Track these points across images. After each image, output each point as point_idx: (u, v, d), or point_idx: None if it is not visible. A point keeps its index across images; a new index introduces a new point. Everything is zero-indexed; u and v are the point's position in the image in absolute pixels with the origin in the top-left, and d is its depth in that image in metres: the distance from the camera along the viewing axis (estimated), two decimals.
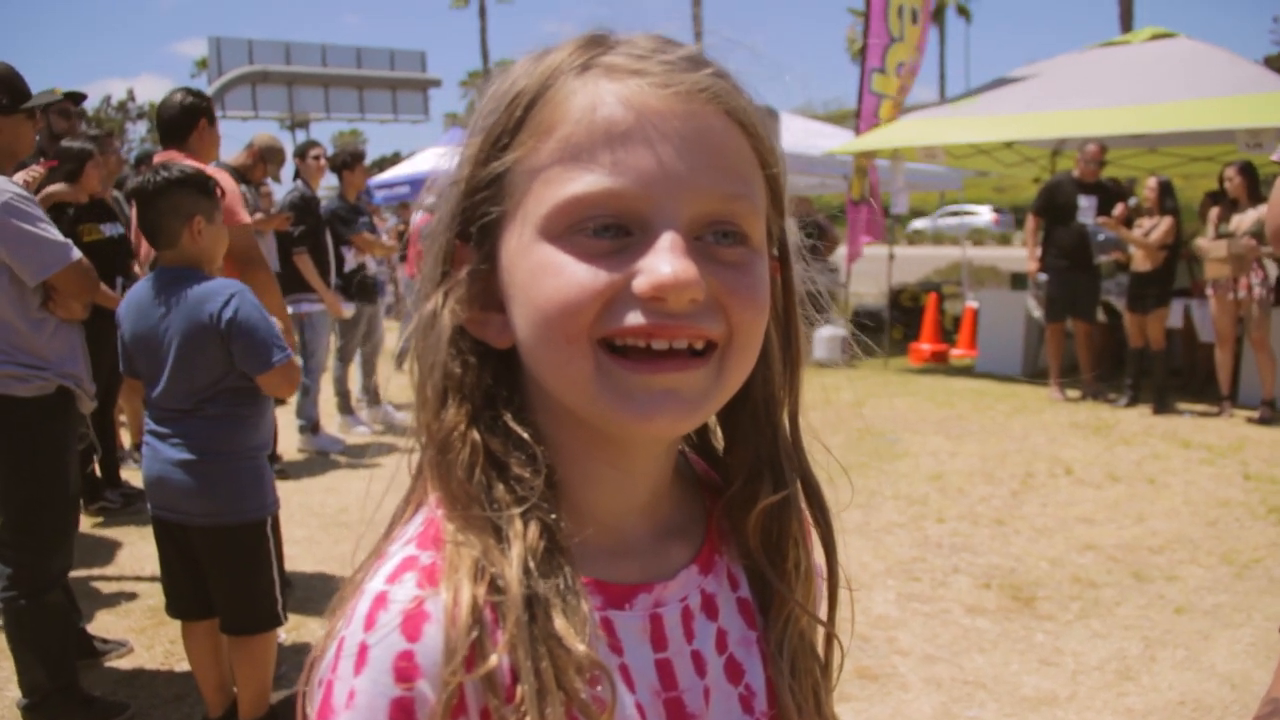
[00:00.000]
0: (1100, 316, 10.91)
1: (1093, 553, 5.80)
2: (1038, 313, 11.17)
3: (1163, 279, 9.84)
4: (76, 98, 5.27)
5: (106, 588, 5.39)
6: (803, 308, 0.96)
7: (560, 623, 0.78)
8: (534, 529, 0.81)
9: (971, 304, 13.93)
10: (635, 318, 0.77)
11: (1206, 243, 9.32)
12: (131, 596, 5.24)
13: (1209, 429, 9.07)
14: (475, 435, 0.84)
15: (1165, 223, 9.62)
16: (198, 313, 3.43)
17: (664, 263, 0.76)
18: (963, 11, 73.21)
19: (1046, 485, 7.27)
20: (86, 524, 6.10)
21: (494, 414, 0.86)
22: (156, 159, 5.15)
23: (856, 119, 13.68)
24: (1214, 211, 9.63)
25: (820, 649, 1.01)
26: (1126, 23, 38.96)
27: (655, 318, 0.77)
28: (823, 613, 1.02)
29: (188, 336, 3.43)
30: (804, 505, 0.99)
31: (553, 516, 0.82)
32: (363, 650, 0.77)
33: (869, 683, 4.18)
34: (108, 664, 4.43)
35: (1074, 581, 5.35)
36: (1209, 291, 9.50)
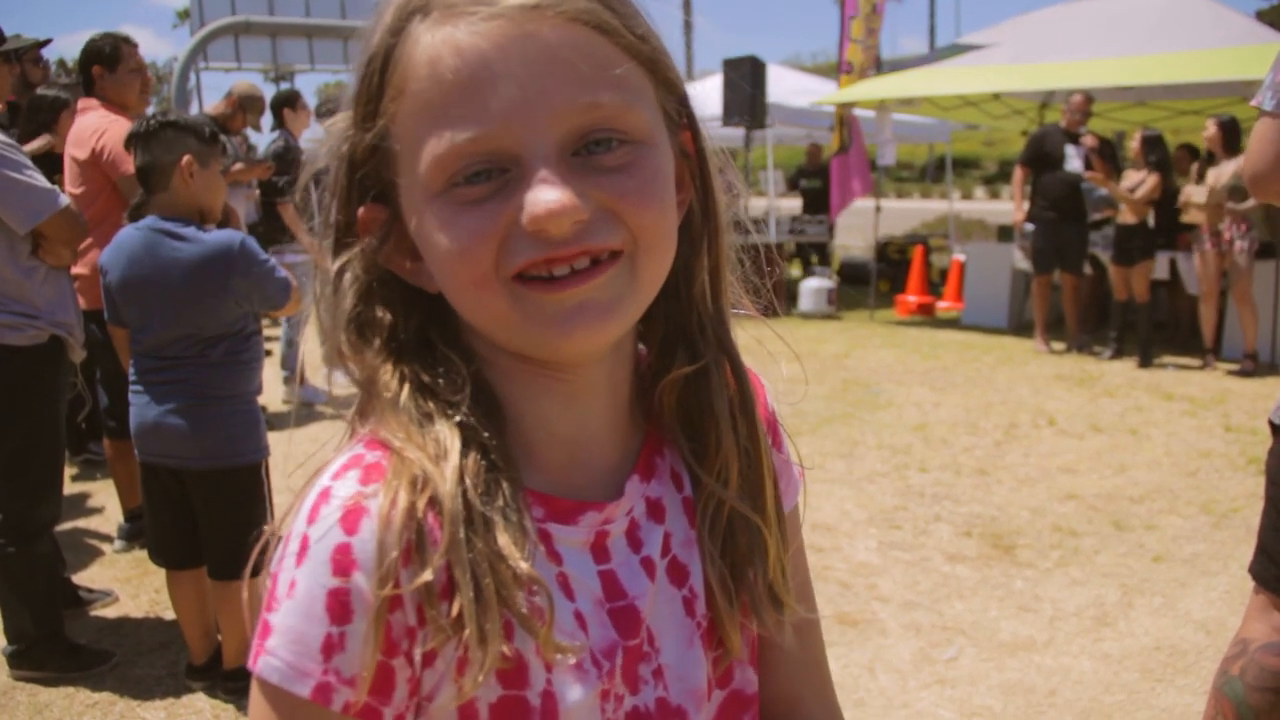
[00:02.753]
0: (1086, 269, 10.91)
1: (1074, 502, 5.85)
2: (1023, 264, 11.17)
3: (1147, 232, 9.84)
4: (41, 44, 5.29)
5: (91, 538, 5.40)
6: (721, 174, 0.94)
7: (504, 540, 0.79)
8: (469, 446, 0.82)
9: (959, 257, 13.94)
10: (529, 251, 0.78)
11: (1192, 188, 9.32)
12: (116, 546, 5.24)
13: (1192, 381, 9.13)
14: (403, 368, 0.86)
15: (1152, 179, 9.60)
16: (210, 269, 3.44)
17: (537, 196, 0.76)
18: None
19: (1029, 436, 7.32)
20: (70, 475, 6.10)
21: (425, 345, 0.88)
22: (80, 107, 5.14)
23: (838, 70, 13.61)
24: (1194, 166, 9.63)
25: (770, 529, 0.98)
26: None
27: (546, 248, 0.78)
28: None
29: (198, 290, 3.44)
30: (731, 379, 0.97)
31: (486, 435, 0.84)
32: (304, 542, 0.79)
33: (849, 628, 4.22)
34: (92, 613, 4.45)
35: (1054, 530, 5.40)
36: (1194, 246, 9.51)
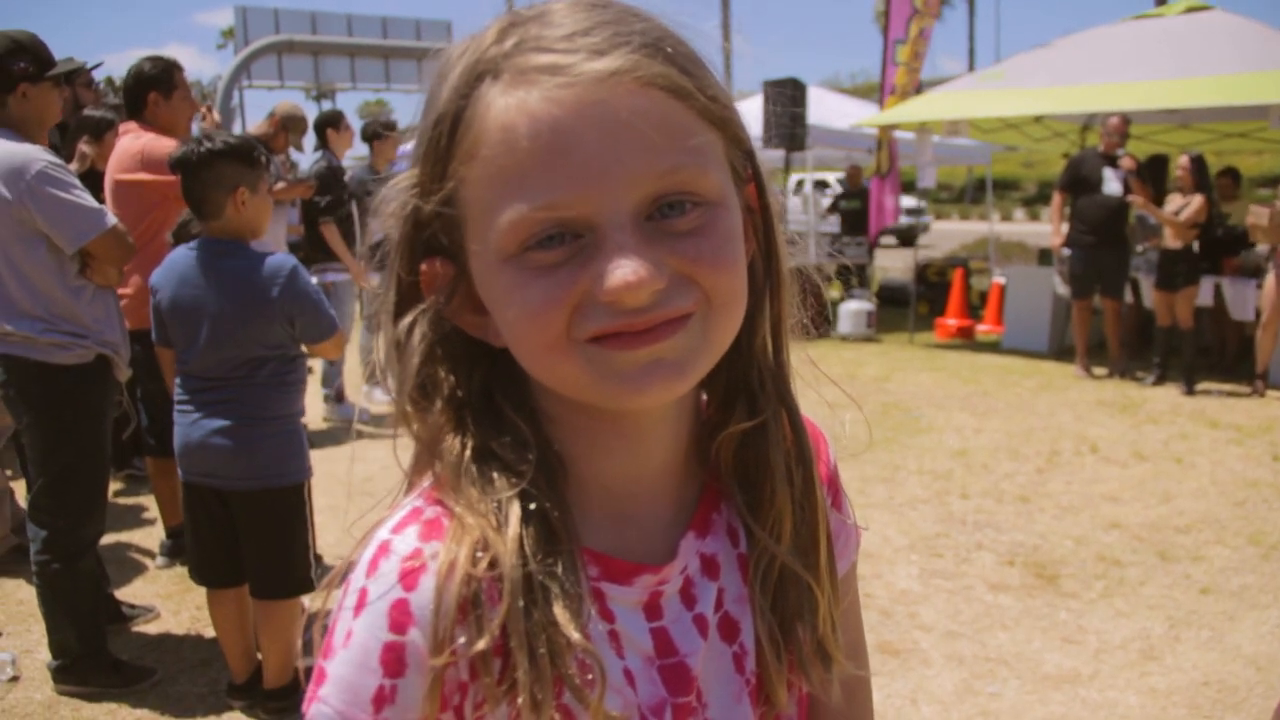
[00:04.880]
0: (1127, 295, 10.78)
1: (1118, 531, 5.77)
2: (1062, 288, 11.05)
3: (1192, 257, 9.71)
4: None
5: (134, 554, 5.45)
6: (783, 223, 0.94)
7: (559, 608, 0.80)
8: (529, 513, 0.82)
9: (999, 280, 13.82)
10: (603, 319, 0.77)
11: (1256, 208, 9.18)
12: (158, 563, 5.28)
13: (1237, 409, 8.98)
14: (466, 430, 0.86)
15: (1196, 201, 9.47)
16: (258, 289, 3.49)
17: (614, 267, 0.75)
18: None
19: (1072, 463, 7.23)
20: (114, 490, 6.16)
21: (490, 404, 0.88)
22: (121, 130, 5.17)
23: (880, 92, 13.60)
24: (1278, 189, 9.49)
25: (822, 585, 0.97)
26: None
27: (621, 317, 0.77)
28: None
29: (246, 310, 3.49)
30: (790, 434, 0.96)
31: (548, 502, 0.83)
32: (363, 595, 0.81)
33: (890, 658, 4.18)
34: (135, 629, 4.48)
35: (1098, 560, 5.32)
36: (1270, 269, 9.33)
